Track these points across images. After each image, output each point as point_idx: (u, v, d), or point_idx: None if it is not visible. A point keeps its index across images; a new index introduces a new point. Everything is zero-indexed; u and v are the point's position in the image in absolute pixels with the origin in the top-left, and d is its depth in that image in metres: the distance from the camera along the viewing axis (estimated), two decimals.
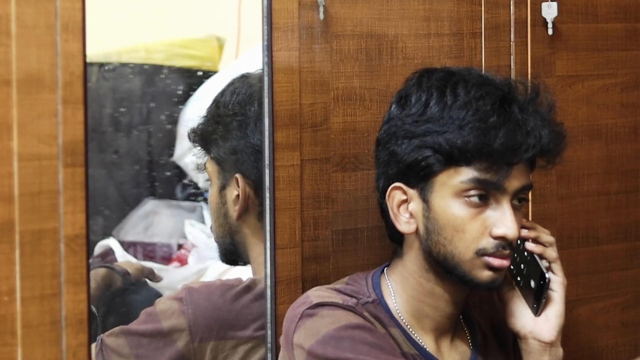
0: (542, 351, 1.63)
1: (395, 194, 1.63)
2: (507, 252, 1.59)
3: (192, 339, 1.74)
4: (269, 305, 1.72)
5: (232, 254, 1.85)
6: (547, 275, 1.61)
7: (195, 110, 1.92)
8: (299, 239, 1.74)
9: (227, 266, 1.91)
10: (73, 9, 1.45)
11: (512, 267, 1.65)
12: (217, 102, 1.84)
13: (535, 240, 1.66)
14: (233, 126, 1.78)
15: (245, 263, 1.84)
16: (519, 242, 1.64)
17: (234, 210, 1.80)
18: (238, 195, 1.79)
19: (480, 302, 1.75)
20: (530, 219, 1.93)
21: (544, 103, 1.64)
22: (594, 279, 2.02)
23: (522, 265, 1.65)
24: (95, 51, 1.76)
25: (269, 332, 1.72)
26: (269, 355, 1.73)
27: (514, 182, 1.59)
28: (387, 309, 1.65)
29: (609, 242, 2.03)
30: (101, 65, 1.87)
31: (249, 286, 1.78)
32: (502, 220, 1.58)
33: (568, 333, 1.98)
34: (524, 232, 1.65)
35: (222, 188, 1.82)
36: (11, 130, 1.41)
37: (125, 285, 1.83)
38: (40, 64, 1.43)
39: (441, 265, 1.61)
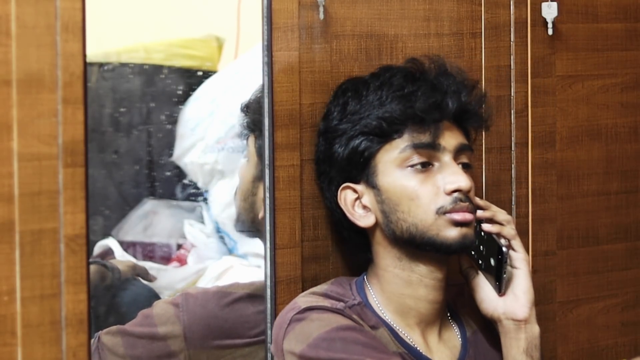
0: (518, 330, 1.64)
1: (346, 194, 1.67)
2: (466, 204, 1.62)
3: (186, 346, 1.74)
4: (268, 306, 1.72)
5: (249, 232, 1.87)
6: (504, 250, 1.61)
7: (195, 111, 1.92)
8: (299, 239, 1.74)
9: (227, 266, 1.90)
10: (73, 9, 1.45)
11: (472, 251, 1.67)
12: None
13: (492, 220, 1.68)
14: None
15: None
16: (475, 223, 1.65)
17: (260, 207, 1.80)
18: None
19: (470, 300, 1.75)
20: (530, 219, 1.93)
21: (454, 70, 1.70)
22: (594, 279, 2.02)
23: (481, 247, 1.66)
24: (95, 51, 1.76)
25: (269, 332, 1.72)
26: (269, 355, 1.72)
27: (450, 140, 1.64)
28: (373, 310, 1.66)
29: (609, 242, 2.03)
30: (101, 65, 1.87)
31: (246, 294, 1.78)
32: (451, 175, 1.62)
33: (568, 333, 1.99)
34: (479, 213, 1.67)
35: (257, 179, 1.81)
36: (11, 130, 1.41)
37: (114, 281, 1.82)
38: (40, 64, 1.43)
39: (410, 243, 1.63)
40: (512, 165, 1.93)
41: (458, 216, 1.61)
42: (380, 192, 1.64)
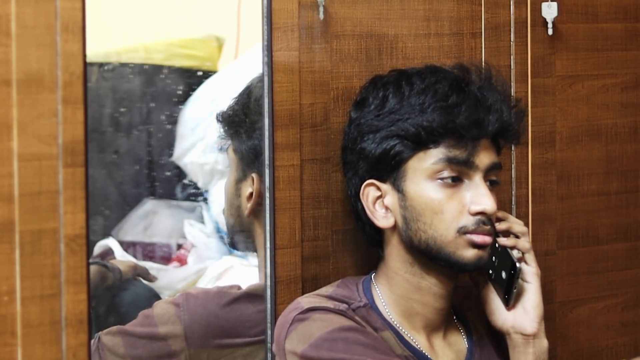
0: (526, 344, 1.64)
1: (369, 191, 1.65)
2: (487, 227, 1.61)
3: (187, 345, 1.74)
4: (268, 306, 1.72)
5: (239, 243, 1.86)
6: (517, 265, 1.61)
7: (195, 111, 1.92)
8: (299, 239, 1.74)
9: (227, 266, 1.90)
10: (73, 9, 1.45)
11: None
12: (250, 91, 1.82)
13: (508, 231, 1.68)
14: (258, 126, 1.77)
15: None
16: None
17: (246, 207, 1.80)
18: (252, 193, 1.79)
19: (477, 304, 1.75)
20: (530, 219, 1.93)
21: (499, 82, 1.68)
22: (594, 279, 2.02)
23: (493, 258, 1.65)
24: (95, 51, 1.76)
25: (269, 332, 1.72)
26: (269, 355, 1.73)
27: (484, 159, 1.62)
28: (379, 312, 1.65)
29: (609, 242, 2.03)
30: (101, 65, 1.87)
31: (246, 293, 1.78)
32: (478, 196, 1.60)
33: (568, 333, 1.99)
34: (496, 225, 1.66)
35: (239, 180, 1.82)
36: (11, 130, 1.41)
37: (116, 282, 1.82)
38: (40, 64, 1.43)
39: (425, 254, 1.62)
40: (512, 165, 1.93)
41: (478, 238, 1.60)
42: (405, 198, 1.62)
